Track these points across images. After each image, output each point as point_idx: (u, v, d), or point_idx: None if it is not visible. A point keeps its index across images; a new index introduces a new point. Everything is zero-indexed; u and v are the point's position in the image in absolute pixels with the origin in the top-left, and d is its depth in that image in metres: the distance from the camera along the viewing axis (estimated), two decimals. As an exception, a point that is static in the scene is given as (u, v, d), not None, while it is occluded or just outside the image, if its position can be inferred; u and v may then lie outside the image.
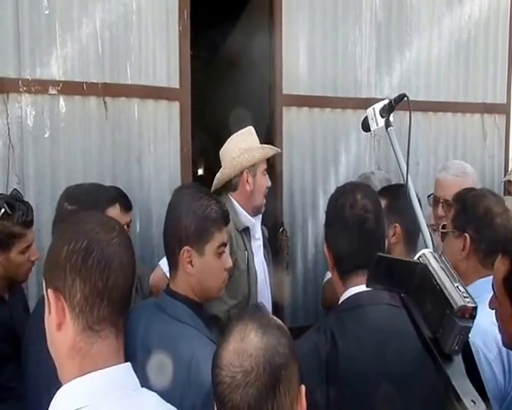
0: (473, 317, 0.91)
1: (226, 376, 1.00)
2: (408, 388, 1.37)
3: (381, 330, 1.42)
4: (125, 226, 1.74)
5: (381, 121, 1.63)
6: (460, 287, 0.93)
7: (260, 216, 2.57)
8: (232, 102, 3.69)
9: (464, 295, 0.92)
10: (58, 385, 1.02)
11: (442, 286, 0.94)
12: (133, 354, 1.57)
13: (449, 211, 2.31)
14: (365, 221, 1.49)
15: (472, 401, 0.88)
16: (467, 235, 1.76)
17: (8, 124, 2.49)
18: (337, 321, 1.47)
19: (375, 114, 1.64)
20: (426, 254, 1.01)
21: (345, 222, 1.50)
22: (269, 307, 2.59)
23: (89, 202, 1.65)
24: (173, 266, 1.61)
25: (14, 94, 2.49)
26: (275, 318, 1.10)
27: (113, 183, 2.66)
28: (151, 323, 1.57)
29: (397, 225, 2.02)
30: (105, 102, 2.67)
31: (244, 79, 3.59)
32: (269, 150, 2.50)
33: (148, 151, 2.81)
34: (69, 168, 2.60)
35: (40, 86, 2.52)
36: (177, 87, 2.87)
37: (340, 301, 1.53)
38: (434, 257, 1.00)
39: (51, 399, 1.02)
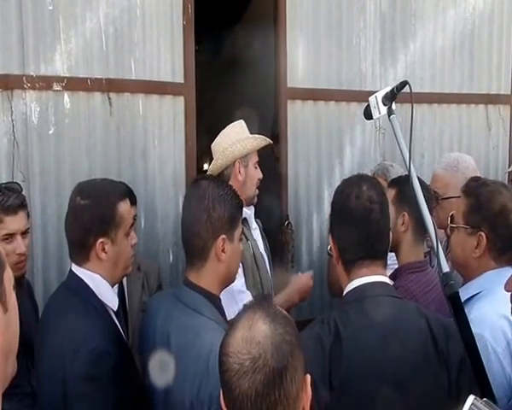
0: None
1: (234, 363, 1.01)
2: (411, 379, 1.38)
3: (384, 322, 1.42)
4: (132, 220, 1.74)
5: (384, 109, 1.63)
6: None
7: (253, 208, 2.56)
8: (236, 97, 3.69)
9: None
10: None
11: None
12: (152, 345, 1.60)
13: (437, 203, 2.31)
14: (370, 212, 1.49)
15: None
16: (482, 234, 1.70)
17: (12, 121, 2.49)
18: (341, 313, 1.47)
19: (377, 102, 1.63)
20: (476, 405, 1.03)
21: (350, 213, 1.50)
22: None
23: (101, 196, 1.65)
24: (201, 257, 1.60)
25: (19, 91, 2.49)
26: (281, 309, 1.12)
27: (117, 178, 2.64)
28: (170, 314, 1.58)
29: (405, 213, 2.01)
30: (109, 98, 2.66)
31: (248, 73, 3.59)
32: (261, 141, 2.46)
33: (152, 146, 2.81)
34: (74, 164, 2.60)
35: (44, 83, 2.52)
36: (182, 82, 2.87)
37: (344, 293, 1.53)
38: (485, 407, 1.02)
39: None
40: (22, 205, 2.05)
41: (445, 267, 1.40)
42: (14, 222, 2.01)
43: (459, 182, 2.41)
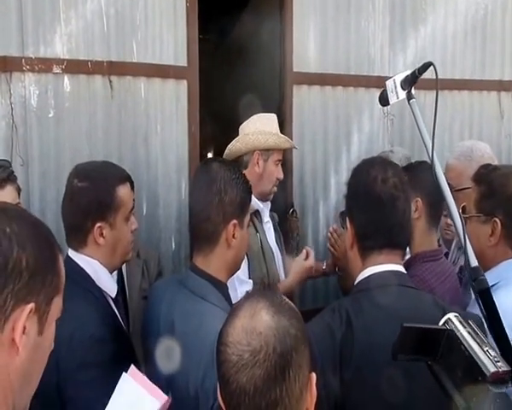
0: (506, 381, 0.88)
1: (233, 354, 0.94)
2: (426, 374, 1.30)
3: (399, 312, 1.35)
4: (132, 204, 1.69)
5: (402, 94, 1.54)
6: (490, 351, 0.92)
7: (269, 204, 2.52)
8: (242, 82, 3.62)
9: (496, 359, 0.90)
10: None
11: (472, 352, 0.92)
12: (156, 332, 1.55)
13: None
14: (397, 199, 1.43)
15: None
16: (497, 220, 1.65)
17: (11, 104, 2.44)
18: (353, 302, 1.42)
19: (395, 86, 1.55)
20: (452, 319, 1.00)
21: (376, 198, 1.43)
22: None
23: (100, 179, 1.60)
24: (210, 243, 1.55)
25: (18, 73, 2.44)
26: (287, 299, 1.04)
27: (119, 163, 2.58)
28: (174, 300, 1.54)
29: (418, 199, 1.94)
30: (110, 81, 2.61)
31: (254, 58, 3.52)
32: (284, 141, 2.45)
33: (154, 131, 2.75)
34: (74, 149, 2.55)
35: (44, 65, 2.47)
36: (185, 65, 2.80)
37: (356, 281, 1.47)
38: (460, 322, 0.99)
39: None
40: (9, 179, 1.98)
41: (474, 261, 1.32)
42: (2, 196, 1.92)
43: (473, 172, 2.34)
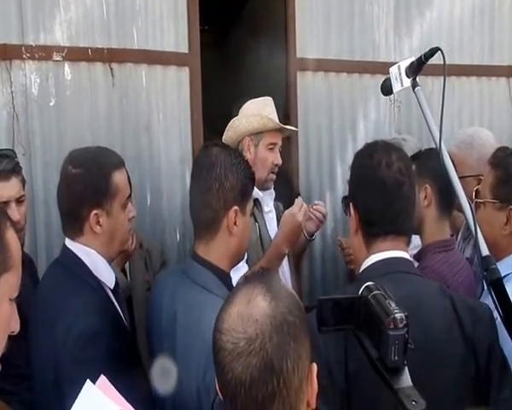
0: (405, 326, 0.96)
1: (228, 342, 0.90)
2: (432, 360, 1.28)
3: (406, 301, 1.29)
4: (129, 191, 1.65)
5: (407, 81, 1.49)
6: (391, 302, 0.99)
7: (270, 193, 2.44)
8: (245, 71, 3.58)
9: (394, 308, 0.97)
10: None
11: (377, 307, 0.99)
12: (159, 324, 1.52)
13: None
14: (402, 184, 1.39)
15: (413, 401, 0.93)
16: None
17: (12, 92, 2.42)
18: (358, 290, 1.37)
19: (400, 73, 1.50)
20: (368, 286, 1.04)
21: (381, 183, 1.38)
22: (288, 281, 2.50)
23: (95, 165, 1.56)
24: (211, 230, 1.51)
25: (18, 61, 2.42)
26: (286, 285, 1.00)
27: (121, 153, 2.54)
28: (177, 291, 1.50)
29: (427, 186, 1.88)
30: (111, 69, 2.59)
31: (258, 45, 3.47)
32: (268, 121, 2.30)
33: (157, 119, 2.73)
34: (76, 138, 2.52)
35: (44, 52, 2.45)
36: (186, 52, 2.77)
37: (361, 269, 1.43)
38: (376, 287, 1.04)
39: None
40: (14, 170, 1.97)
41: (485, 251, 1.28)
42: (7, 188, 1.92)
43: (474, 161, 2.28)
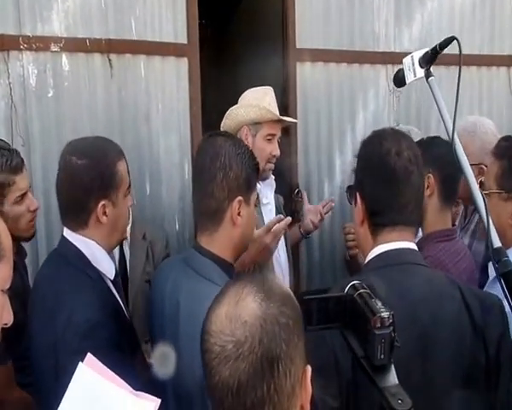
0: (391, 324, 0.96)
1: (215, 344, 0.86)
2: (438, 351, 1.28)
3: (414, 292, 1.31)
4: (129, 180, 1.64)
5: (421, 72, 1.48)
6: (377, 301, 0.99)
7: (269, 183, 2.43)
8: (244, 64, 3.56)
9: (380, 307, 0.97)
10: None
11: (363, 306, 0.99)
12: (161, 312, 1.51)
13: None
14: (411, 174, 1.36)
15: (399, 399, 0.92)
16: None
17: (9, 83, 2.40)
18: (363, 281, 1.36)
19: (413, 64, 1.48)
20: (353, 285, 1.04)
21: (391, 172, 1.35)
22: (286, 272, 2.50)
23: (100, 155, 1.53)
24: (214, 220, 1.49)
25: (15, 52, 2.40)
26: (281, 284, 0.94)
27: (121, 143, 2.55)
28: (179, 280, 1.49)
29: (430, 175, 1.85)
30: (110, 60, 2.57)
31: (256, 36, 3.46)
32: (266, 112, 2.29)
33: (155, 110, 2.72)
34: (75, 128, 2.50)
35: (42, 43, 2.43)
36: (185, 42, 2.76)
37: (367, 260, 1.41)
38: (362, 285, 1.04)
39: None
40: (23, 161, 1.97)
41: (497, 242, 1.27)
42: (23, 180, 1.93)
43: (476, 148, 2.27)
